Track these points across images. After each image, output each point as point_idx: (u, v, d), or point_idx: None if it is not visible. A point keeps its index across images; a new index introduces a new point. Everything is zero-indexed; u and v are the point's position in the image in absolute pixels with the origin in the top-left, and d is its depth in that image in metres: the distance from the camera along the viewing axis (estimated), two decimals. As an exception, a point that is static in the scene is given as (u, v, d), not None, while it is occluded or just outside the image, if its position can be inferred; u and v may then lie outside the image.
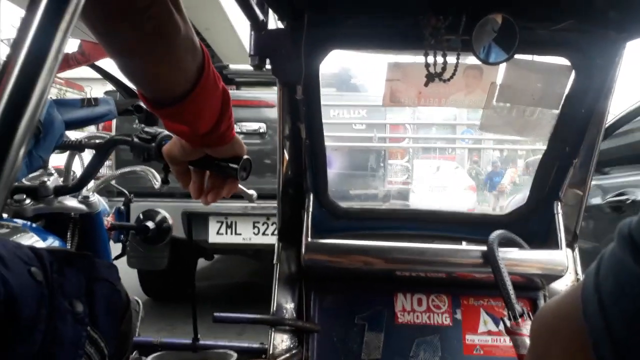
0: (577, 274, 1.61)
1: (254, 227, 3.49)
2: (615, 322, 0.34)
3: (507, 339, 1.34)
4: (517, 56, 1.23)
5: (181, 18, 0.59)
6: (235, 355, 1.57)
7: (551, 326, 0.43)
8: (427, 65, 1.21)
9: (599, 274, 0.37)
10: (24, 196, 1.35)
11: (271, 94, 3.57)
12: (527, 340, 1.27)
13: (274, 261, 1.67)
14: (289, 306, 1.63)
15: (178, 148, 0.76)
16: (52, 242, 1.29)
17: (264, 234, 3.49)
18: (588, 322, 0.36)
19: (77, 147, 1.44)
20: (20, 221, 1.30)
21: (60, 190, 1.39)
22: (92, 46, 1.44)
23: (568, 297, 0.42)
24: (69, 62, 1.40)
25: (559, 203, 1.60)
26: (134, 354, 1.56)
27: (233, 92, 3.83)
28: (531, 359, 0.46)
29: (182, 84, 0.63)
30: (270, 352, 1.54)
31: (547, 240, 1.61)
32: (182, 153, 0.76)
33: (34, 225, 1.34)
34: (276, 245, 1.69)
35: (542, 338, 0.44)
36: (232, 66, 4.06)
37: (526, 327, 1.30)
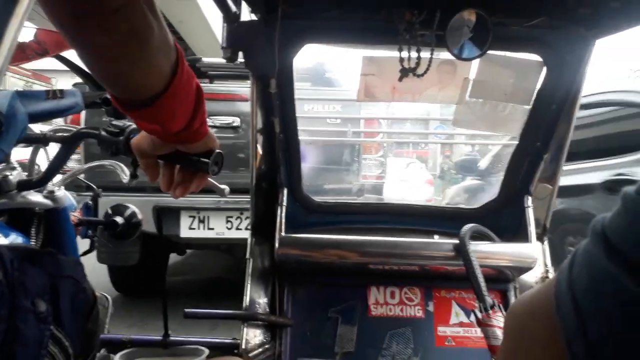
0: (546, 266, 1.65)
1: (227, 221, 3.45)
2: (589, 320, 0.34)
3: (479, 330, 1.36)
4: (490, 52, 1.24)
5: (155, 18, 0.57)
6: (207, 351, 1.55)
7: (524, 322, 0.43)
8: (401, 60, 1.21)
9: (572, 271, 0.37)
10: (-14, 191, 1.30)
11: (245, 88, 3.54)
12: (498, 332, 1.30)
13: (247, 256, 1.66)
14: (262, 301, 1.62)
15: (148, 142, 0.74)
16: (15, 238, 1.25)
17: (237, 228, 3.46)
18: (562, 320, 0.36)
19: (41, 141, 1.40)
20: (-19, 217, 1.25)
21: (24, 185, 1.34)
22: (49, 35, 1.37)
23: (541, 292, 0.42)
24: (25, 52, 1.33)
25: (530, 197, 1.63)
26: (102, 351, 1.53)
27: (206, 86, 3.78)
28: (505, 353, 0.47)
29: (155, 85, 0.61)
30: (243, 347, 1.53)
31: (517, 233, 1.63)
32: (152, 147, 0.74)
33: (-4, 220, 1.29)
34: (249, 239, 1.68)
35: (516, 333, 0.44)
36: (206, 59, 3.99)
37: (497, 319, 1.32)
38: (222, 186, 1.28)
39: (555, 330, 0.36)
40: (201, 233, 3.45)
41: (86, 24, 0.52)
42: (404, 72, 1.21)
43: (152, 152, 0.75)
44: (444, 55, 1.28)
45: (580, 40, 1.34)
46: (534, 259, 1.55)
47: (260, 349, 1.54)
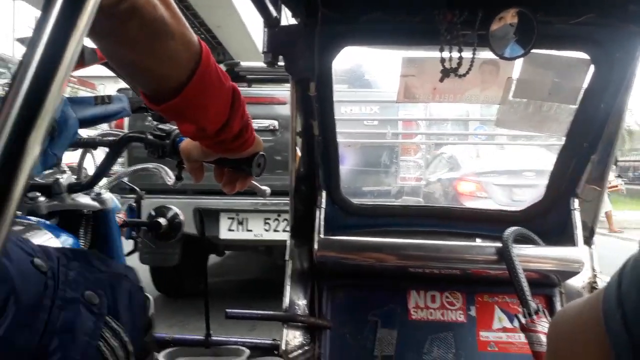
0: (594, 270, 1.59)
1: (265, 223, 3.49)
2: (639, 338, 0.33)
3: (522, 335, 1.33)
4: (534, 50, 1.21)
5: (165, 6, 0.57)
6: (247, 351, 1.57)
7: (571, 335, 0.42)
8: (442, 60, 1.20)
9: (621, 287, 0.36)
10: (38, 193, 1.35)
11: (283, 91, 3.57)
12: (542, 337, 1.26)
13: (286, 258, 1.67)
14: (301, 302, 1.62)
15: (197, 150, 0.75)
16: (66, 239, 1.30)
17: (275, 230, 3.49)
18: (611, 337, 0.35)
19: (90, 145, 1.45)
20: (34, 218, 1.31)
21: (73, 188, 1.39)
22: None
23: (588, 305, 0.41)
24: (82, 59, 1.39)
25: (576, 199, 1.58)
26: (147, 350, 1.56)
27: (245, 90, 3.83)
28: None
29: (176, 76, 0.61)
30: (283, 348, 1.54)
31: (563, 237, 1.59)
32: (201, 155, 0.75)
33: (47, 222, 1.34)
34: (288, 241, 1.69)
35: (561, 346, 0.43)
36: (244, 63, 4.05)
37: (541, 324, 1.29)
38: (264, 187, 1.30)
39: (604, 347, 0.36)
40: (240, 235, 3.49)
41: None
42: (445, 73, 1.20)
43: (200, 159, 0.76)
44: (486, 54, 1.26)
45: (630, 37, 1.29)
46: (580, 263, 1.50)
47: (300, 351, 1.55)
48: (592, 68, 1.35)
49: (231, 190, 0.81)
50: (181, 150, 0.78)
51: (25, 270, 0.59)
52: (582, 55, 1.35)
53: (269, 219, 3.49)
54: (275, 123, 3.49)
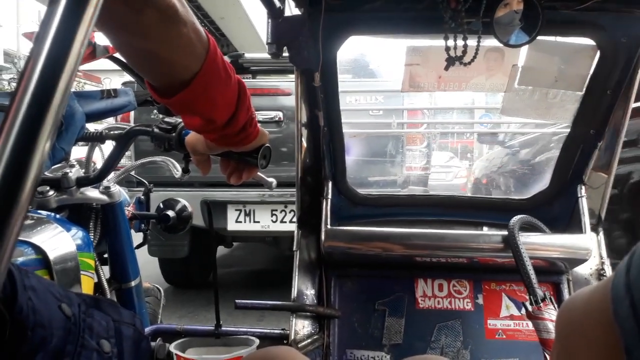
0: (601, 258, 1.59)
1: (272, 214, 3.50)
2: None
3: (530, 323, 1.33)
4: (539, 37, 1.20)
5: None
6: (257, 341, 1.59)
7: (579, 322, 0.42)
8: (447, 48, 1.19)
9: (630, 273, 0.36)
10: (48, 188, 1.37)
11: (287, 82, 3.56)
12: (549, 325, 1.26)
13: (294, 248, 1.68)
14: (310, 292, 1.64)
15: (202, 144, 0.76)
16: (76, 232, 1.31)
17: (282, 221, 3.50)
18: (620, 326, 0.35)
19: (98, 139, 1.46)
20: (44, 212, 1.32)
21: (82, 182, 1.41)
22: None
23: (597, 293, 0.40)
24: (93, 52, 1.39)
25: (583, 186, 1.57)
26: (158, 340, 1.59)
27: (249, 81, 3.82)
28: (558, 353, 0.46)
29: (186, 68, 0.61)
30: (292, 337, 1.55)
31: (570, 224, 1.58)
32: (206, 149, 0.76)
33: (57, 216, 1.36)
34: (295, 232, 1.70)
35: (570, 334, 0.43)
36: (248, 55, 4.04)
37: (548, 312, 1.29)
38: (270, 179, 1.30)
39: (613, 336, 0.35)
40: (247, 226, 3.51)
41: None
42: (450, 61, 1.19)
43: (205, 152, 0.77)
44: (491, 42, 1.25)
45: (635, 22, 1.28)
46: (588, 251, 1.49)
47: (309, 340, 1.56)
48: (597, 54, 1.34)
49: (237, 181, 0.83)
50: (187, 144, 0.79)
51: (55, 315, 0.60)
52: (588, 41, 1.34)
53: (275, 210, 3.50)
54: (281, 114, 3.49)
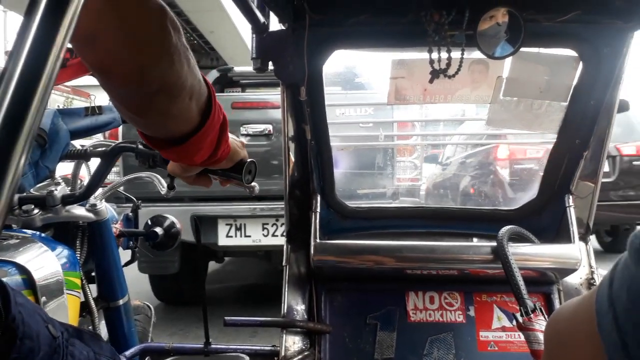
0: (591, 267, 1.59)
1: (263, 228, 3.49)
2: (630, 339, 0.33)
3: (522, 334, 1.32)
4: (523, 49, 1.21)
5: (189, 66, 0.58)
6: (247, 358, 1.57)
7: (566, 334, 0.42)
8: (431, 61, 1.20)
9: (612, 287, 0.36)
10: (32, 206, 1.35)
11: (276, 95, 3.56)
12: (540, 336, 1.26)
13: (283, 263, 1.67)
14: (300, 307, 1.62)
15: (179, 168, 0.78)
16: (61, 251, 1.30)
17: (273, 235, 3.49)
18: (603, 337, 0.35)
19: (83, 156, 1.45)
20: (29, 231, 1.31)
21: (67, 199, 1.39)
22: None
23: (582, 305, 0.41)
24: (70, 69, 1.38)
25: (571, 196, 1.58)
26: (146, 359, 1.56)
27: (238, 94, 3.83)
28: None
29: (184, 130, 0.64)
30: (283, 354, 1.53)
31: (559, 234, 1.59)
32: (183, 171, 0.78)
33: (42, 235, 1.34)
34: (285, 246, 1.69)
35: (557, 346, 0.44)
36: (237, 68, 4.06)
37: (538, 322, 1.29)
38: (252, 183, 1.30)
39: (599, 348, 0.36)
40: (238, 241, 3.49)
41: (113, 79, 0.54)
42: (435, 74, 1.20)
43: (184, 174, 0.79)
44: (476, 54, 1.26)
45: (617, 34, 1.29)
46: (577, 260, 1.50)
47: (299, 356, 1.54)
48: (580, 65, 1.36)
49: (225, 184, 0.86)
50: (168, 170, 0.80)
51: (42, 332, 0.63)
52: (571, 52, 1.35)
53: (267, 224, 3.49)
54: (270, 127, 3.49)
